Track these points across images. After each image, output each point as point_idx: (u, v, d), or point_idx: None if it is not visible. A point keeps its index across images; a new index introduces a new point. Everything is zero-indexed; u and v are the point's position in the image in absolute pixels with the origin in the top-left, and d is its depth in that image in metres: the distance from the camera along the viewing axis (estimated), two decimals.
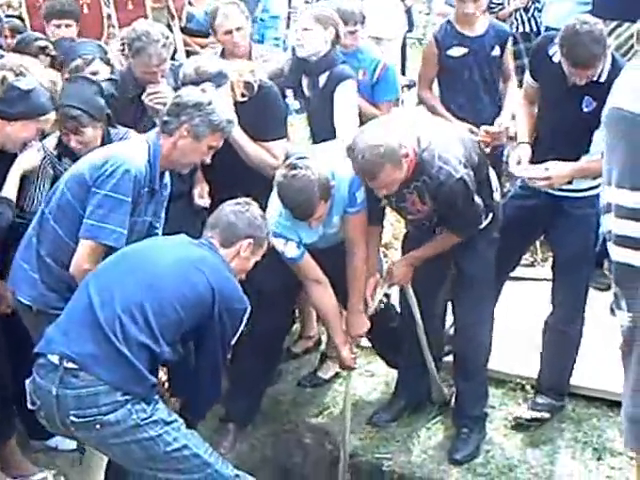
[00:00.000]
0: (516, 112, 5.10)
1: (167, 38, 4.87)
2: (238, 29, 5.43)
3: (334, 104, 5.11)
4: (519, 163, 4.57)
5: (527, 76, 4.85)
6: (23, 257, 4.02)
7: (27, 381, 3.57)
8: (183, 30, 7.48)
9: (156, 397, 3.54)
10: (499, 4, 8.59)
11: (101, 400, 3.38)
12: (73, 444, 4.64)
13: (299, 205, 4.26)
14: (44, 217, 3.97)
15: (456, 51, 5.71)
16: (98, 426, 3.40)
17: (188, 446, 3.53)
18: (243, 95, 4.73)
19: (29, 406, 3.57)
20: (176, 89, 4.79)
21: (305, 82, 5.21)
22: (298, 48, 5.15)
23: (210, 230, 3.80)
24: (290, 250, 4.40)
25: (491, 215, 4.55)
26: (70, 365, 3.41)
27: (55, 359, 3.45)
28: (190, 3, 7.93)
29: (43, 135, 4.41)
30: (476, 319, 4.68)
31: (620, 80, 2.02)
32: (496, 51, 5.74)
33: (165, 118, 3.94)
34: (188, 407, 3.85)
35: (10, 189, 4.13)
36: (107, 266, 3.69)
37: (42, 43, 5.56)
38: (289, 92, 5.19)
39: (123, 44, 5.01)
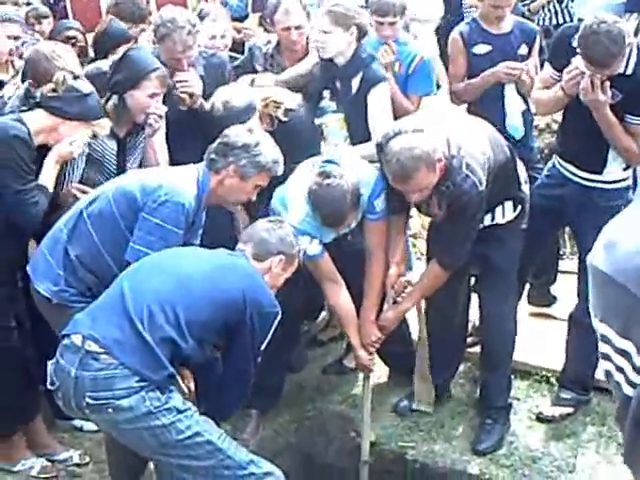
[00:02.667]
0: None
1: (194, 26, 4.88)
2: (297, 27, 5.36)
3: (368, 108, 5.05)
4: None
5: (547, 67, 4.79)
6: (49, 249, 4.01)
7: (49, 362, 3.60)
8: None
9: (172, 387, 3.55)
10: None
11: (117, 384, 3.41)
12: None
13: (333, 213, 4.29)
14: (81, 218, 3.97)
15: (481, 48, 5.56)
16: (111, 410, 3.42)
17: (200, 433, 3.53)
18: (271, 124, 4.78)
19: (48, 386, 3.60)
20: (202, 77, 4.85)
21: (338, 85, 5.12)
22: (320, 50, 5.06)
23: (243, 244, 3.88)
24: (313, 248, 4.38)
25: (520, 207, 4.54)
26: (92, 348, 3.44)
27: (78, 340, 3.49)
28: None
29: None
30: (502, 310, 4.67)
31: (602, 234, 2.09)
32: (523, 50, 5.57)
33: (212, 156, 4.00)
34: (212, 410, 3.81)
35: (47, 178, 4.16)
36: (143, 263, 3.74)
37: (71, 33, 5.61)
38: (326, 93, 5.14)
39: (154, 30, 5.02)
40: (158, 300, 3.51)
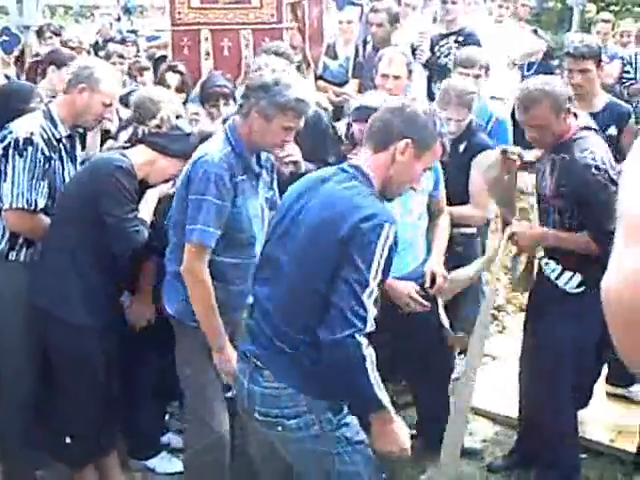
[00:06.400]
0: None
1: None
2: (395, 77, 5.52)
3: (471, 172, 5.12)
4: None
5: None
6: (169, 271, 4.12)
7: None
8: (317, 78, 7.70)
9: (343, 407, 3.28)
10: (631, 79, 8.50)
11: (283, 403, 3.21)
12: (171, 468, 4.81)
13: None
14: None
15: None
16: (280, 428, 3.24)
17: (361, 474, 3.28)
18: None
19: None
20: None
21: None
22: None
23: (365, 140, 3.37)
24: None
25: None
26: (258, 363, 3.28)
27: (248, 352, 3.37)
28: (326, 54, 8.14)
29: None
30: None
31: None
32: (612, 130, 5.50)
33: (240, 101, 3.98)
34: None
35: (146, 213, 4.27)
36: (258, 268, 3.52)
37: (170, 63, 5.83)
38: None
39: None
40: (273, 311, 3.26)
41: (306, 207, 3.25)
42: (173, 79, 5.79)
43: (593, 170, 4.07)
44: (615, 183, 4.03)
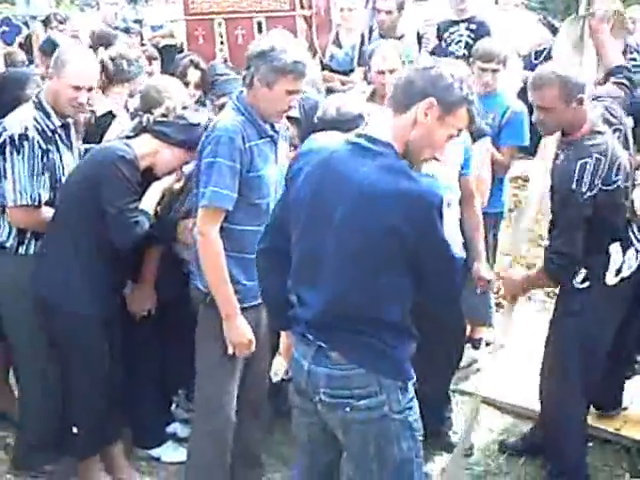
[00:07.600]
0: None
1: None
2: (391, 71, 5.45)
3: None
4: None
5: None
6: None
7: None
8: (323, 67, 7.67)
9: (409, 389, 3.16)
10: (637, 66, 8.42)
11: (354, 383, 3.08)
12: (176, 457, 4.80)
13: None
14: None
15: None
16: (348, 409, 3.09)
17: (413, 462, 3.20)
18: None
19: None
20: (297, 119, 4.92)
21: None
22: None
23: (387, 102, 3.11)
24: None
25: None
26: (322, 344, 3.11)
27: (308, 334, 3.18)
28: (334, 42, 8.10)
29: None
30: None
31: None
32: (629, 122, 5.54)
33: (244, 72, 3.99)
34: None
35: (149, 204, 4.26)
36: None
37: (193, 58, 5.81)
38: None
39: None
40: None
41: (339, 197, 2.97)
42: (194, 75, 5.74)
43: (573, 185, 4.06)
44: (596, 203, 4.10)
